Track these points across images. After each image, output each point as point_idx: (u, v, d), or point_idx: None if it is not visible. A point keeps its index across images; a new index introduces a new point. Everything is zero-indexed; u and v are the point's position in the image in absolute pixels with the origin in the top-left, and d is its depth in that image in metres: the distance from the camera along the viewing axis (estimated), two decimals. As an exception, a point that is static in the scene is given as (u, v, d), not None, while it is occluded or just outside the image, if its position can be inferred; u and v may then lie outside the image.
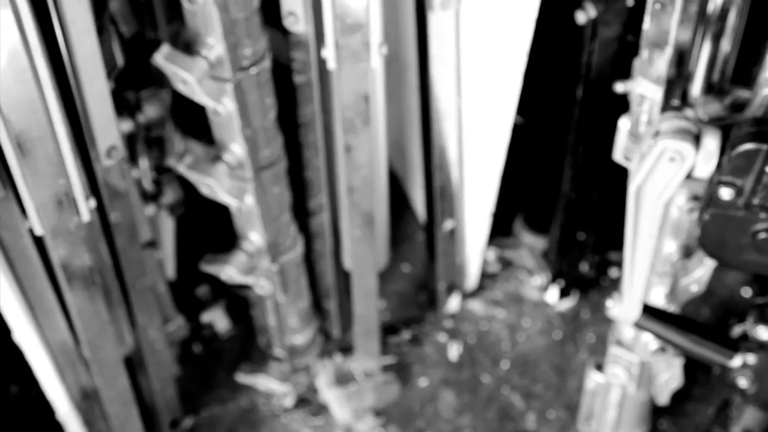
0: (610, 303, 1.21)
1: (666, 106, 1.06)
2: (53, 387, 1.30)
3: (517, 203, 1.67)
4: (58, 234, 1.10)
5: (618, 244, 1.65)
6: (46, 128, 1.00)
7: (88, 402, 1.33)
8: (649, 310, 1.15)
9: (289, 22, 1.25)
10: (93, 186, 1.16)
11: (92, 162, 1.14)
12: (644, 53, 1.05)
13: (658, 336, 1.17)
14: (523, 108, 1.36)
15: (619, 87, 1.27)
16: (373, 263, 1.44)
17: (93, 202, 1.13)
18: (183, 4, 1.13)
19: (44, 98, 0.99)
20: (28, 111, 0.98)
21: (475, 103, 1.38)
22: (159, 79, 1.32)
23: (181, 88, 1.18)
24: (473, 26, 1.29)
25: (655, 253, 1.12)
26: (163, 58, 1.16)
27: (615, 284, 1.66)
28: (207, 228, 1.59)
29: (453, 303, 1.65)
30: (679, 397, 1.47)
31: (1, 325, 1.23)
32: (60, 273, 1.14)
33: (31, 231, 1.12)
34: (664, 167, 1.01)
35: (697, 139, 1.00)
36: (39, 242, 1.15)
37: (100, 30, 1.11)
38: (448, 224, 1.54)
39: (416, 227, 1.74)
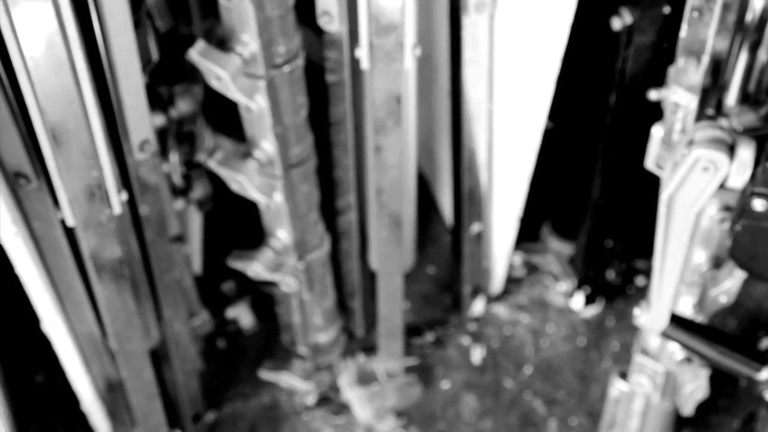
0: (637, 311, 1.20)
1: (700, 115, 1.05)
2: (79, 377, 1.31)
3: (545, 208, 1.67)
4: (89, 225, 1.11)
5: (645, 252, 1.64)
6: (82, 120, 1.01)
7: (112, 393, 1.34)
8: (676, 320, 1.14)
9: (323, 21, 1.25)
10: (124, 179, 1.17)
11: (125, 155, 1.15)
12: (680, 61, 1.04)
13: (685, 346, 1.16)
14: (553, 113, 1.35)
15: (653, 95, 1.27)
16: (400, 264, 1.44)
17: (125, 195, 1.14)
18: (219, 1, 1.14)
19: (80, 90, 0.99)
20: (64, 102, 0.99)
21: (507, 107, 1.38)
22: (191, 75, 1.32)
23: (215, 84, 1.18)
24: (507, 30, 1.29)
25: (685, 263, 1.12)
26: (197, 53, 1.17)
27: (641, 293, 1.65)
28: (234, 224, 1.60)
29: (477, 306, 1.64)
30: (703, 408, 1.46)
31: (29, 315, 1.24)
32: (90, 264, 1.15)
33: (62, 222, 1.12)
34: (697, 177, 1.00)
35: (731, 149, 0.99)
36: (69, 233, 1.16)
37: (137, 24, 1.11)
38: (475, 227, 1.53)
39: (442, 229, 1.74)
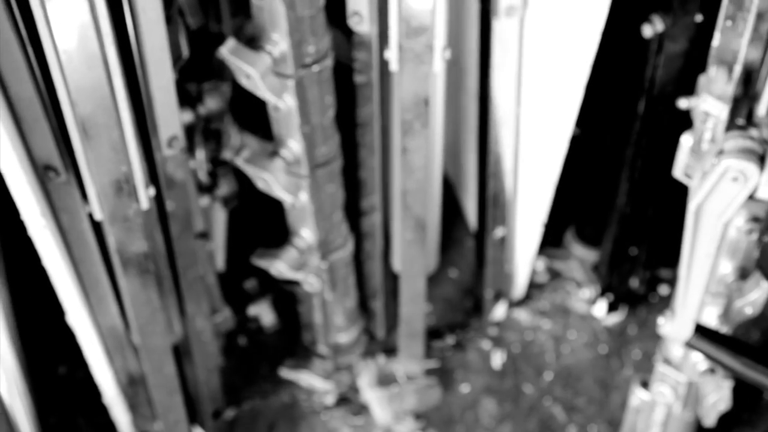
0: (661, 320, 1.19)
1: (731, 125, 1.05)
2: (101, 370, 1.32)
3: (570, 214, 1.66)
4: (116, 220, 1.11)
5: (669, 261, 1.63)
6: (112, 115, 1.02)
7: (134, 387, 1.35)
8: (701, 330, 1.13)
9: (353, 22, 1.25)
10: (152, 175, 1.17)
11: (153, 151, 1.16)
12: (711, 70, 1.03)
13: (709, 357, 1.16)
14: (580, 119, 1.35)
15: (683, 103, 1.26)
16: (423, 267, 1.44)
17: (152, 191, 1.15)
18: (251, 0, 1.14)
19: (112, 85, 1.00)
20: (95, 97, 0.99)
21: (535, 112, 1.37)
22: (220, 72, 1.33)
23: (244, 82, 1.19)
24: (538, 35, 1.28)
25: (711, 273, 1.11)
26: (228, 51, 1.17)
27: (664, 301, 1.64)
28: (258, 222, 1.60)
29: (499, 311, 1.64)
30: (725, 420, 1.45)
31: (54, 307, 1.25)
32: (115, 258, 1.16)
33: (90, 215, 1.13)
34: (726, 187, 1.00)
35: (761, 160, 0.98)
36: (96, 227, 1.16)
37: (168, 20, 1.12)
38: (498, 232, 1.53)
39: (465, 233, 1.73)
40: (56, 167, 1.07)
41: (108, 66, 0.98)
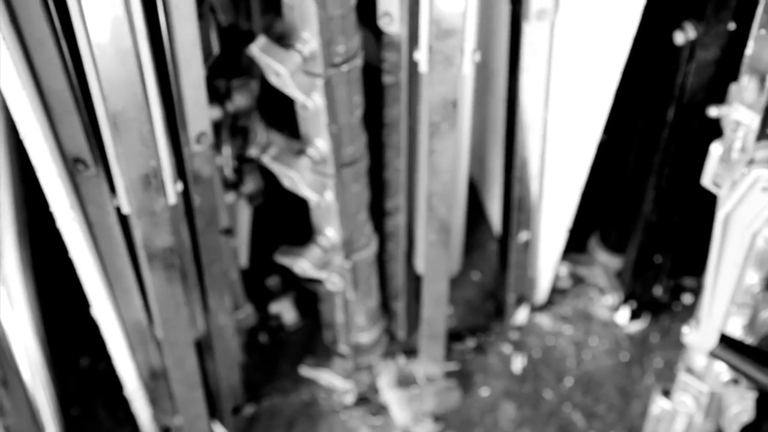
0: (686, 329, 1.19)
1: (762, 134, 1.04)
2: (124, 363, 1.33)
3: (594, 220, 1.65)
4: (143, 214, 1.12)
5: (694, 269, 1.62)
6: (143, 110, 1.02)
7: (155, 381, 1.36)
8: (726, 340, 1.13)
9: (383, 23, 1.25)
10: (179, 170, 1.18)
11: (181, 146, 1.16)
12: (743, 79, 1.03)
13: (732, 367, 1.15)
14: (609, 125, 1.34)
15: (713, 111, 1.25)
16: (446, 269, 1.44)
17: (180, 186, 1.15)
18: (282, -2, 1.15)
19: (143, 80, 1.01)
20: (127, 91, 1.00)
21: (563, 117, 1.37)
22: (249, 70, 1.33)
23: (274, 80, 1.19)
24: (568, 39, 1.28)
25: (737, 283, 1.10)
26: (258, 49, 1.18)
27: (687, 310, 1.63)
28: (281, 220, 1.61)
29: (521, 315, 1.64)
30: (747, 431, 1.44)
31: (77, 299, 1.26)
32: (141, 252, 1.16)
33: (117, 209, 1.14)
34: (755, 197, 0.99)
35: (792, 171, 0.97)
36: (123, 221, 1.17)
37: (200, 17, 1.12)
38: (523, 236, 1.53)
39: (489, 236, 1.73)
40: (86, 160, 1.08)
41: (140, 61, 0.99)
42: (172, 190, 1.12)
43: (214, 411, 1.47)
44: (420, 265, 1.54)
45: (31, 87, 0.97)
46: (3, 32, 0.89)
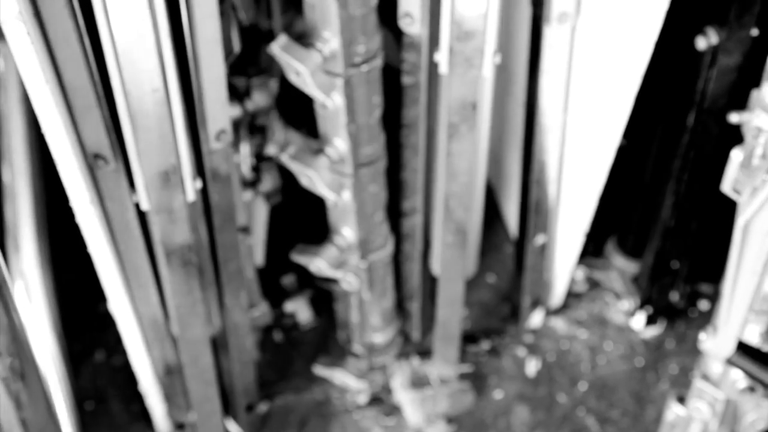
0: (703, 336, 1.18)
1: (783, 142, 1.03)
2: (139, 358, 1.33)
3: (612, 225, 1.65)
4: (161, 210, 1.12)
5: (711, 276, 1.62)
6: (164, 106, 1.03)
7: (170, 377, 1.36)
8: (743, 348, 1.12)
9: (404, 23, 1.25)
10: (198, 167, 1.18)
11: (201, 144, 1.17)
12: (765, 85, 1.02)
13: (750, 375, 1.14)
14: (629, 129, 1.34)
15: (734, 117, 1.25)
16: (462, 271, 1.44)
17: (199, 183, 1.15)
18: (304, -3, 1.15)
19: (165, 77, 1.01)
20: (149, 88, 1.00)
21: (582, 121, 1.37)
22: (268, 68, 1.34)
23: (294, 79, 1.19)
24: (589, 43, 1.28)
25: (756, 291, 1.10)
26: (279, 47, 1.18)
27: (703, 317, 1.62)
28: (297, 218, 1.61)
29: (536, 318, 1.63)
30: (762, 439, 1.43)
31: (94, 293, 1.27)
32: (159, 249, 1.17)
33: (136, 205, 1.14)
34: (776, 203, 0.99)
35: (814, 178, 0.97)
36: (141, 217, 1.17)
37: (221, 15, 1.13)
38: (539, 239, 1.52)
39: (504, 239, 1.73)
40: (106, 156, 1.08)
41: (162, 58, 0.99)
42: (191, 187, 1.12)
43: (227, 408, 1.47)
44: (436, 267, 1.53)
45: (54, 82, 0.97)
46: (28, 28, 0.89)
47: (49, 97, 0.96)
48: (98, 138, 1.07)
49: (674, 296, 1.58)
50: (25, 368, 0.94)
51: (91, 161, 1.09)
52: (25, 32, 0.89)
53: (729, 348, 1.12)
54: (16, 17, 0.88)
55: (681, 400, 1.34)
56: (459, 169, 1.30)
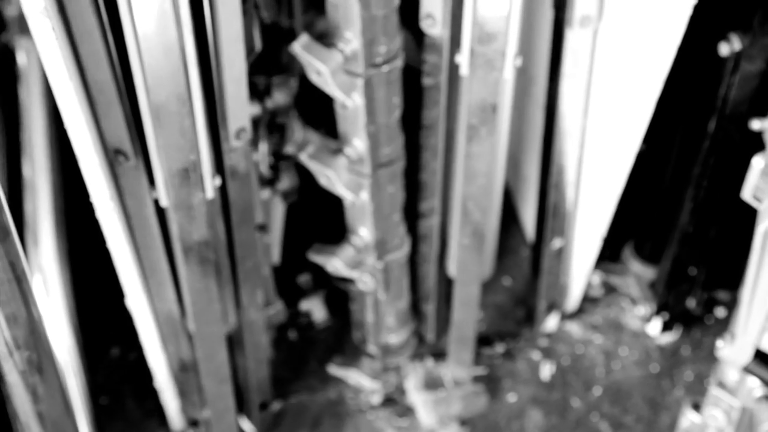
0: (720, 343, 1.17)
1: (806, 149, 1.03)
2: (154, 355, 1.33)
3: (629, 230, 1.64)
4: (180, 207, 1.13)
5: (728, 283, 1.61)
6: (185, 103, 1.03)
7: (185, 374, 1.36)
8: (761, 356, 1.11)
9: (426, 24, 1.25)
10: (218, 165, 1.18)
11: (220, 141, 1.17)
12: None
13: (766, 383, 1.14)
14: (648, 134, 1.33)
15: (756, 124, 1.24)
16: (478, 273, 1.43)
17: (218, 180, 1.16)
18: (326, -3, 1.15)
19: (187, 74, 1.01)
20: (170, 85, 1.00)
21: (602, 125, 1.36)
22: (288, 67, 1.34)
23: (315, 78, 1.19)
24: (611, 47, 1.27)
25: (775, 299, 1.09)
26: (300, 47, 1.18)
27: (720, 324, 1.62)
28: (315, 218, 1.61)
29: (551, 322, 1.63)
30: (777, 448, 1.43)
31: (110, 289, 1.27)
32: (177, 245, 1.17)
33: (155, 201, 1.15)
34: (798, 212, 0.98)
35: (837, 187, 0.96)
36: (160, 213, 1.18)
37: (243, 13, 1.13)
38: (556, 243, 1.52)
39: (521, 241, 1.72)
40: (126, 152, 1.09)
41: (185, 55, 1.00)
42: (210, 184, 1.12)
43: (241, 406, 1.47)
44: (452, 269, 1.53)
45: (77, 78, 0.98)
46: (53, 23, 0.90)
47: (72, 92, 0.96)
48: (119, 134, 1.07)
49: (691, 303, 1.57)
50: (42, 362, 0.95)
51: (111, 157, 1.09)
52: (50, 27, 0.90)
53: (746, 356, 1.11)
54: (41, 12, 0.88)
55: (696, 407, 1.33)
56: (477, 172, 1.30)
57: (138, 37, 0.97)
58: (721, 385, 1.26)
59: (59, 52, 0.92)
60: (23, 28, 1.22)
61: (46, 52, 0.92)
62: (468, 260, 1.41)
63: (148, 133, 1.06)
